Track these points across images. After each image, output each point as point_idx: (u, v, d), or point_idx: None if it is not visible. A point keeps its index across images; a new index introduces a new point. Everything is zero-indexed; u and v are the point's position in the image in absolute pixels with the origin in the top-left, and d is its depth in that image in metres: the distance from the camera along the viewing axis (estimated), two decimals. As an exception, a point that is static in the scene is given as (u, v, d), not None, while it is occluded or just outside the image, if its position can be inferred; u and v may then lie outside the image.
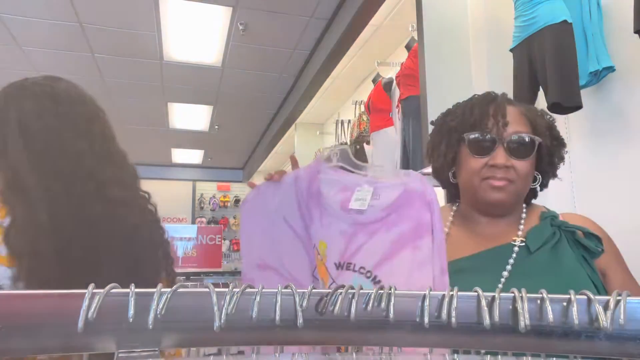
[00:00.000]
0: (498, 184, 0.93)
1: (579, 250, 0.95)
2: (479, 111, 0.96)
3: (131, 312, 0.35)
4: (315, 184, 0.90)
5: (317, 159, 0.93)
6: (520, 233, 0.97)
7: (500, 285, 0.89)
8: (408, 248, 0.80)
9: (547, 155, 1.00)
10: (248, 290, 0.38)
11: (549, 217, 1.00)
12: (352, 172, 0.89)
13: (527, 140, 0.94)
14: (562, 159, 1.03)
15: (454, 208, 1.06)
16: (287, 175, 0.92)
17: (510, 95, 2.24)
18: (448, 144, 1.00)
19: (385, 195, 0.85)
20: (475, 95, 1.04)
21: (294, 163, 1.02)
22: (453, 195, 1.09)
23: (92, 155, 0.94)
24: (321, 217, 0.88)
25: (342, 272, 0.83)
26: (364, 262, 0.82)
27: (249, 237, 0.94)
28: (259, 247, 0.91)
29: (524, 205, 1.05)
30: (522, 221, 1.00)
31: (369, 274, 0.82)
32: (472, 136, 0.96)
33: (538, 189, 1.05)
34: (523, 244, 0.95)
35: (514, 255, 0.93)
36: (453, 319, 0.38)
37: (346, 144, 4.88)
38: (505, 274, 0.90)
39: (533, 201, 1.09)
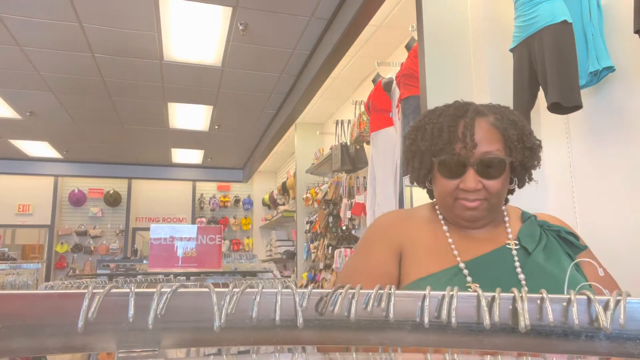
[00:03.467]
0: (471, 204, 0.95)
1: (563, 247, 1.00)
2: (447, 134, 0.95)
3: (131, 312, 0.35)
4: None
5: None
6: (510, 236, 1.00)
7: (526, 288, 0.87)
8: None
9: (519, 166, 1.00)
10: (248, 290, 0.38)
11: (532, 218, 1.03)
12: None
13: (496, 161, 0.94)
14: (536, 165, 1.02)
15: (437, 207, 1.07)
16: None
17: (510, 96, 2.26)
18: (421, 162, 1.01)
19: None
20: (445, 106, 1.03)
21: None
22: (431, 195, 1.11)
23: None
24: None
25: None
26: None
27: None
28: None
29: (504, 205, 1.08)
30: (507, 224, 1.03)
31: None
32: (441, 160, 0.96)
33: (516, 187, 1.08)
34: (518, 245, 0.97)
35: (516, 257, 0.95)
36: (453, 319, 0.38)
37: (346, 144, 4.88)
38: (522, 276, 0.92)
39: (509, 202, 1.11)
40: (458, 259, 0.94)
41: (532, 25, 2.02)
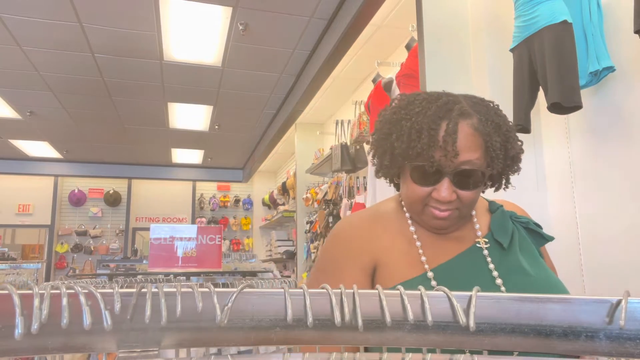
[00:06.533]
0: (442, 214, 0.89)
1: (530, 239, 0.96)
2: (427, 139, 0.85)
3: (130, 313, 0.35)
4: None
5: None
6: (479, 233, 0.95)
7: (503, 288, 0.86)
8: None
9: (498, 176, 0.94)
10: (248, 290, 0.38)
11: (500, 209, 0.99)
12: None
13: (475, 173, 0.86)
14: (516, 172, 0.95)
15: (403, 203, 0.99)
16: None
17: (510, 96, 2.26)
18: (392, 162, 0.92)
19: None
20: (424, 99, 0.91)
21: None
22: (397, 188, 1.03)
23: None
24: None
25: None
26: None
27: None
28: None
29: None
30: (475, 218, 0.98)
31: None
32: (415, 166, 0.88)
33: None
34: (488, 243, 0.93)
35: (488, 254, 0.91)
36: (429, 318, 0.38)
37: (346, 144, 4.88)
38: (495, 273, 0.88)
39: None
40: (426, 266, 0.88)
41: (532, 25, 2.01)
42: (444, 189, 0.86)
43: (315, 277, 0.97)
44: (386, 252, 0.91)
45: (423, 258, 0.90)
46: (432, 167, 0.85)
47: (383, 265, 0.90)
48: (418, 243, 0.92)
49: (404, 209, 0.98)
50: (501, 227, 0.95)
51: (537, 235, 0.97)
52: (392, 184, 1.03)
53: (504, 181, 0.96)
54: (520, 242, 0.94)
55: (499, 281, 0.87)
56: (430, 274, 0.87)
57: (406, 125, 0.88)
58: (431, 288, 0.81)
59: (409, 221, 0.96)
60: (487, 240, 0.94)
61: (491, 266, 0.89)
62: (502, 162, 0.89)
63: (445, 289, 0.40)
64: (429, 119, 0.86)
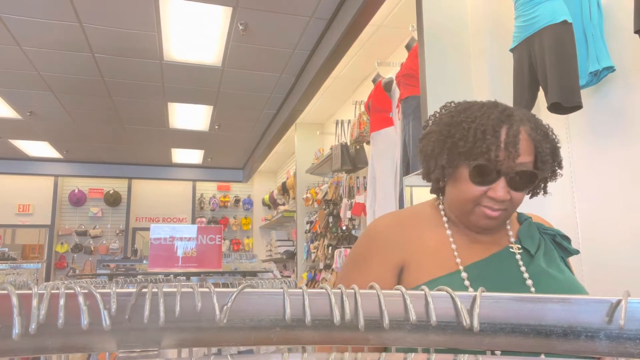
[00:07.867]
0: (493, 214, 0.93)
1: (557, 251, 1.01)
2: (491, 139, 0.90)
3: (129, 313, 0.35)
4: None
5: None
6: (512, 239, 1.01)
7: (532, 289, 0.90)
8: None
9: (543, 181, 1.00)
10: (248, 290, 0.38)
11: (528, 220, 1.05)
12: None
13: (528, 174, 0.92)
14: (560, 175, 1.01)
15: (441, 207, 1.04)
16: None
17: (510, 96, 2.25)
18: (450, 161, 0.94)
19: None
20: (480, 106, 0.96)
21: None
22: (438, 192, 1.06)
23: None
24: None
25: None
26: None
27: None
28: None
29: None
30: (508, 226, 1.03)
31: None
32: (477, 165, 0.91)
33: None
34: (520, 248, 0.98)
35: (519, 259, 0.96)
36: (433, 318, 0.38)
37: (346, 144, 4.88)
38: (526, 275, 0.92)
39: None
40: (460, 267, 0.92)
41: (532, 25, 2.01)
42: (500, 188, 0.91)
43: (342, 272, 1.03)
44: (418, 251, 0.96)
45: (458, 260, 0.94)
46: (495, 167, 0.90)
47: (413, 263, 0.94)
48: (453, 246, 0.97)
49: (442, 212, 1.03)
50: (529, 235, 1.00)
51: (563, 248, 1.02)
52: (431, 188, 1.06)
53: (542, 186, 1.02)
54: (546, 251, 0.99)
55: (529, 282, 0.91)
56: (463, 273, 0.91)
57: (471, 127, 0.93)
58: (463, 285, 0.91)
59: (446, 224, 1.01)
60: (519, 246, 0.99)
61: (522, 269, 0.94)
62: (551, 166, 0.96)
63: (448, 289, 0.40)
64: (493, 122, 0.92)
